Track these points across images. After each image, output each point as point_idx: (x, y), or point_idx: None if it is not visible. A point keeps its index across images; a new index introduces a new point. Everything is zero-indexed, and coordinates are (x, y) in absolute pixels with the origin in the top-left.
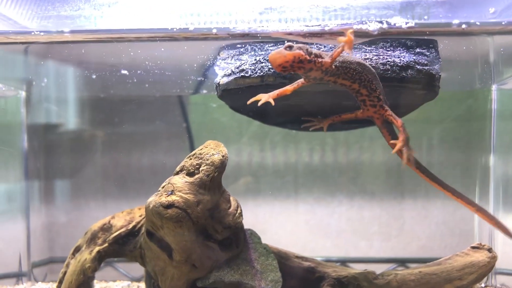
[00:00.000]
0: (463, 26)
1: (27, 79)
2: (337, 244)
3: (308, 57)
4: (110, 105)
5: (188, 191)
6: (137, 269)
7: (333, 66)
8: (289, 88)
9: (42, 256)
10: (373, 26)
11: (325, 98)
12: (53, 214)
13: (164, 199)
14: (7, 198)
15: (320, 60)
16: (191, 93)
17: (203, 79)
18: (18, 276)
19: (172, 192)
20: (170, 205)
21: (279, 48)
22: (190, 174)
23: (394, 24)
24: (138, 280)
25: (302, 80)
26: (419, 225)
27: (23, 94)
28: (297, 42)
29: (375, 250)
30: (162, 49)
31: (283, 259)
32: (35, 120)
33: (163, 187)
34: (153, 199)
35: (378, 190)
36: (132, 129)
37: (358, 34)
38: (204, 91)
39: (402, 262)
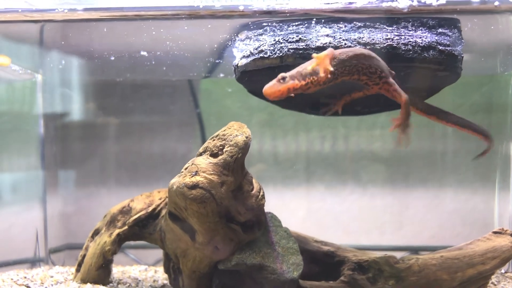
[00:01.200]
0: (496, 3)
1: (43, 62)
2: (348, 232)
3: (303, 82)
4: (124, 90)
5: (212, 172)
6: (149, 256)
7: (329, 76)
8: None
9: (58, 242)
10: (403, 3)
11: None
12: (66, 201)
13: (188, 179)
14: (23, 184)
15: (315, 78)
16: (207, 76)
17: (220, 61)
18: (35, 262)
19: (196, 173)
20: (194, 186)
21: (273, 81)
22: (213, 155)
23: (425, 2)
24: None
25: None
26: (431, 213)
27: (39, 77)
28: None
29: (387, 239)
30: (186, 28)
31: (302, 243)
32: (50, 104)
33: (186, 168)
34: (177, 180)
35: (389, 178)
36: (144, 116)
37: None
38: (221, 75)
39: (414, 250)
